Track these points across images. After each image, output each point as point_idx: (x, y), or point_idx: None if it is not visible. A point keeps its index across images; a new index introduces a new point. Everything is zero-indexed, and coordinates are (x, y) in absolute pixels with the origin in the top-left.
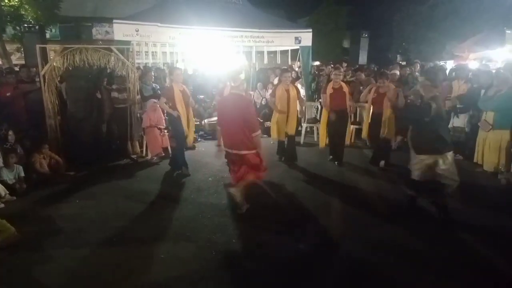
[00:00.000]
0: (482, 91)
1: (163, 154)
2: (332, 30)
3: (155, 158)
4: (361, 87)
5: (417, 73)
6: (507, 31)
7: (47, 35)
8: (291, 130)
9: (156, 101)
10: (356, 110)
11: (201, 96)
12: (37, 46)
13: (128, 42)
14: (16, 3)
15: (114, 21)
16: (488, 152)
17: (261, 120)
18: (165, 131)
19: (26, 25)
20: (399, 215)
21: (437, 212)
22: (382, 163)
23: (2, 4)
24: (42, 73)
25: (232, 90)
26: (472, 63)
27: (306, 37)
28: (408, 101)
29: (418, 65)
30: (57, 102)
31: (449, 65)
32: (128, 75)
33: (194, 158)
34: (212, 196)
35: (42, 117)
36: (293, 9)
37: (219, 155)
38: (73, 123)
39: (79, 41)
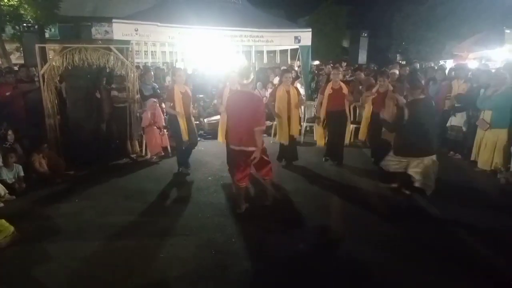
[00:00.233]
0: (482, 91)
1: (163, 154)
2: (332, 29)
3: (155, 157)
4: (360, 87)
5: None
6: (506, 31)
7: (47, 35)
8: (294, 131)
9: (155, 100)
10: (356, 109)
11: (201, 96)
12: (36, 45)
13: (127, 42)
14: (15, 2)
15: (114, 20)
16: (483, 150)
17: None
18: (165, 130)
19: (25, 24)
20: (399, 215)
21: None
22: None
23: (2, 3)
24: (41, 72)
25: (242, 88)
26: (472, 63)
27: (306, 37)
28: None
29: (418, 65)
30: (56, 102)
31: (449, 64)
32: (127, 74)
33: (193, 157)
34: (211, 196)
35: (41, 117)
36: (293, 8)
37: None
38: (73, 123)
39: (79, 40)
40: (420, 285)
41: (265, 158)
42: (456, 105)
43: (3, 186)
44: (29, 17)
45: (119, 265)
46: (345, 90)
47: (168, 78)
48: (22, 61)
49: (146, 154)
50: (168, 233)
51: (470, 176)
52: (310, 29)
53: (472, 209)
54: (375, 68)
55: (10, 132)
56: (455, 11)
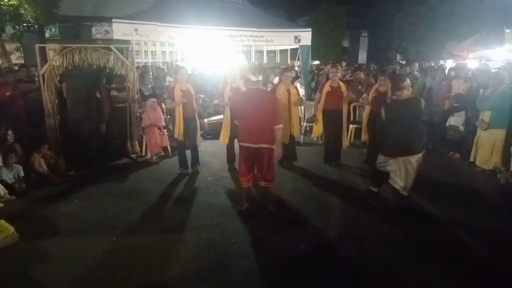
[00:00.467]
0: (481, 91)
1: (163, 154)
2: (332, 29)
3: (155, 157)
4: (360, 87)
5: (416, 72)
6: (506, 30)
7: (47, 35)
8: (295, 131)
9: (155, 100)
10: (356, 109)
11: (201, 96)
12: (36, 45)
13: (127, 42)
14: (15, 2)
15: (113, 20)
16: (481, 149)
17: None
18: (165, 130)
19: (25, 24)
20: (399, 215)
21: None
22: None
23: (2, 3)
24: (41, 72)
25: (254, 85)
26: (472, 63)
27: (306, 36)
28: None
29: (417, 64)
30: (56, 102)
31: (449, 64)
32: (127, 74)
33: None
34: (211, 196)
35: (41, 117)
36: (293, 8)
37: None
38: (73, 123)
39: (79, 40)
40: (420, 285)
41: (273, 160)
42: (454, 105)
43: (3, 187)
44: (29, 17)
45: (119, 265)
46: (343, 89)
47: (168, 78)
48: (22, 61)
49: (146, 154)
50: (168, 233)
51: (470, 176)
52: (310, 29)
53: (472, 209)
54: (375, 68)
55: (10, 132)
56: (455, 11)
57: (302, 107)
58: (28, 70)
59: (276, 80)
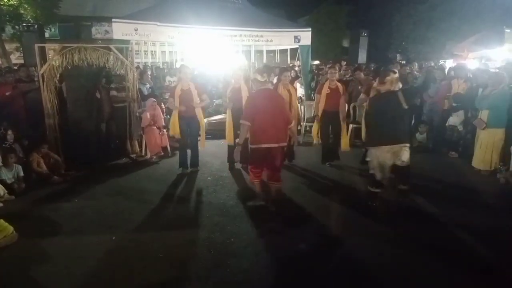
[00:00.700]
0: (480, 90)
1: (162, 154)
2: (332, 29)
3: (154, 157)
4: (359, 87)
5: (415, 72)
6: (506, 30)
7: (47, 35)
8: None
9: (155, 100)
10: (356, 109)
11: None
12: (36, 45)
13: (127, 41)
14: (15, 2)
15: (113, 20)
16: (482, 150)
17: None
18: (164, 130)
19: (25, 24)
20: (399, 215)
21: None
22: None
23: (1, 3)
24: (41, 72)
25: (262, 85)
26: (472, 62)
27: (305, 36)
28: None
29: (416, 64)
30: (56, 102)
31: (449, 64)
32: (127, 74)
33: None
34: (210, 195)
35: (41, 117)
36: (293, 8)
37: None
38: (73, 123)
39: (78, 40)
40: (420, 284)
41: (283, 159)
42: (453, 104)
43: (2, 186)
44: (29, 17)
45: (118, 264)
46: (341, 89)
47: (168, 78)
48: (22, 61)
49: (145, 154)
50: (168, 232)
51: (470, 176)
52: (310, 29)
53: (471, 209)
54: (375, 67)
55: (9, 132)
56: (455, 11)
57: (302, 107)
58: (28, 70)
59: (275, 80)
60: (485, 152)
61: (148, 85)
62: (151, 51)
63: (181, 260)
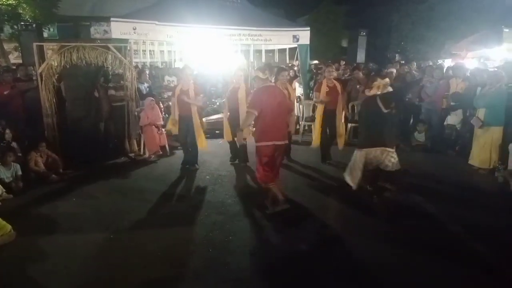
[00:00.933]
0: (478, 89)
1: (161, 153)
2: (330, 29)
3: (153, 156)
4: (358, 86)
5: (414, 71)
6: (504, 30)
7: (45, 35)
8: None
9: (153, 99)
10: (355, 108)
11: (201, 95)
12: (34, 44)
13: (126, 41)
14: (14, 2)
15: (112, 19)
16: (477, 148)
17: None
18: (163, 129)
19: (23, 23)
20: (399, 215)
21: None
22: None
23: (0, 3)
24: (39, 71)
25: (264, 83)
26: (470, 62)
27: (304, 35)
28: None
29: (415, 64)
30: (54, 101)
31: (447, 63)
32: (125, 73)
33: None
34: (209, 194)
35: (39, 116)
36: (292, 8)
37: None
38: (71, 122)
39: (77, 39)
40: (420, 284)
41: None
42: (452, 103)
43: (0, 185)
44: (27, 17)
45: (117, 263)
46: (339, 88)
47: (167, 77)
48: (20, 61)
49: (144, 153)
50: (167, 231)
51: (468, 175)
52: (309, 28)
53: (471, 208)
54: (373, 67)
55: (8, 131)
56: (453, 11)
57: (301, 106)
58: (26, 69)
59: (273, 79)
60: (483, 150)
61: (146, 84)
62: (150, 51)
63: (180, 259)
